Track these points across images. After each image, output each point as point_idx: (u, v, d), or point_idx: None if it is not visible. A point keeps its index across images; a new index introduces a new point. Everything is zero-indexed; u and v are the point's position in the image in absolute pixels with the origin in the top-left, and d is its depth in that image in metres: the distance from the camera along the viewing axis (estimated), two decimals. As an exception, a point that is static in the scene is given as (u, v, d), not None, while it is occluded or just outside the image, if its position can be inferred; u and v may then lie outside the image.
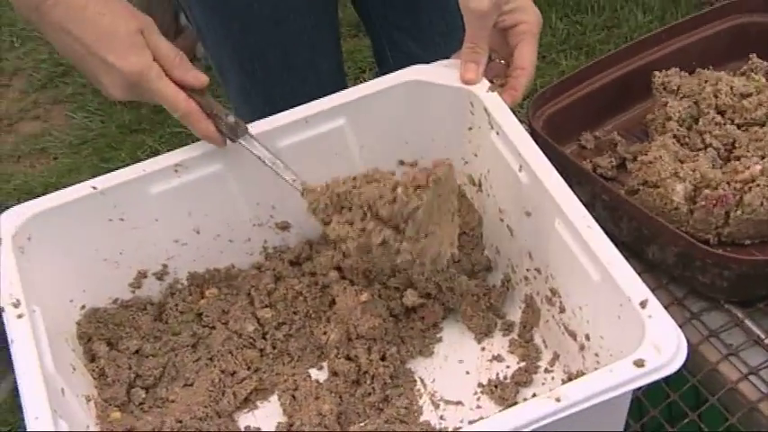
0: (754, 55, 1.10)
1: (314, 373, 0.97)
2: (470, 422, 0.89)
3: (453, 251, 0.88)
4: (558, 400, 0.66)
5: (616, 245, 0.79)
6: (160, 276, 0.99)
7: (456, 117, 1.02)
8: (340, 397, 0.91)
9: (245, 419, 0.94)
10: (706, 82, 1.05)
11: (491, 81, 1.00)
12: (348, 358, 0.93)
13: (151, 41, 0.97)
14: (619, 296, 0.74)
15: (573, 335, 0.86)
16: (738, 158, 0.95)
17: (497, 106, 0.96)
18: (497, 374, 0.93)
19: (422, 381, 0.95)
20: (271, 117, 1.01)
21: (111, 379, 0.92)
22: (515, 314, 0.96)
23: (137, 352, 0.95)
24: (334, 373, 0.94)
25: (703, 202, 0.91)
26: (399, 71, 1.04)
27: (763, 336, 0.85)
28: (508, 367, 0.94)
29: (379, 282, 0.99)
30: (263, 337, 0.97)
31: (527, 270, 0.94)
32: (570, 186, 0.86)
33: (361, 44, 1.93)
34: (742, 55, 1.10)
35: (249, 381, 0.94)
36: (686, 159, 0.97)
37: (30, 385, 0.74)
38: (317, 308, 0.98)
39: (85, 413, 0.86)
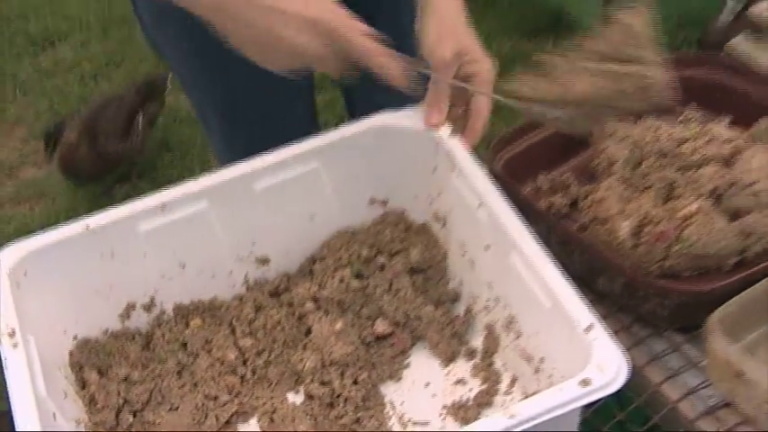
0: (694, 104, 1.13)
1: (291, 396, 0.97)
2: (436, 440, 0.90)
3: None
4: (511, 416, 0.68)
5: (569, 276, 0.81)
6: (148, 308, 1.00)
7: (421, 159, 1.03)
8: (315, 419, 0.92)
9: (227, 441, 0.95)
10: (648, 129, 1.07)
11: (452, 126, 1.02)
12: (323, 383, 0.94)
13: None
14: (568, 322, 0.77)
15: (529, 359, 0.88)
16: (677, 198, 0.97)
17: (458, 149, 0.98)
18: (461, 397, 0.94)
19: (391, 403, 0.96)
20: (251, 160, 1.02)
21: (100, 404, 0.92)
22: (477, 341, 0.97)
23: (125, 379, 0.95)
24: (309, 397, 0.95)
25: (646, 238, 0.94)
26: (369, 117, 1.05)
27: (700, 359, 0.87)
28: (471, 390, 0.95)
29: (351, 311, 1.00)
30: (244, 364, 0.97)
31: (487, 300, 0.96)
32: (528, 223, 0.88)
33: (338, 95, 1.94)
34: (680, 105, 1.12)
35: (231, 404, 0.94)
36: (631, 199, 0.99)
37: (23, 409, 0.76)
38: (295, 336, 0.99)
39: (76, 436, 0.86)
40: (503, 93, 1.00)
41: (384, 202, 1.08)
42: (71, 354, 0.95)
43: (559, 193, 1.06)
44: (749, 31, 1.24)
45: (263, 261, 1.05)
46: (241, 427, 0.97)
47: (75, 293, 0.95)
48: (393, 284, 1.01)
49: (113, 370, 0.96)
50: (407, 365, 0.99)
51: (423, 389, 0.98)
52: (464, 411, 0.92)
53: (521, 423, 0.69)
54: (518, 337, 0.90)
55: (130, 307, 0.99)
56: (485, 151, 1.07)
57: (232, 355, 0.97)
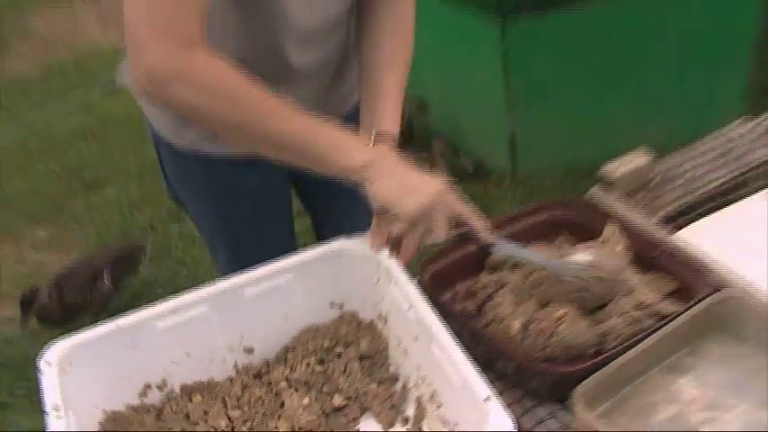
0: (565, 233, 1.16)
1: (269, 454, 0.96)
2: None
3: None
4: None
5: (474, 361, 0.82)
6: (161, 387, 0.99)
7: (368, 274, 1.05)
8: (288, 472, 0.91)
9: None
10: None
11: (390, 249, 1.04)
12: (293, 444, 0.94)
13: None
14: (473, 395, 0.79)
15: (447, 423, 0.88)
16: (552, 304, 0.98)
17: (394, 266, 1.00)
18: (399, 452, 0.94)
19: (345, 459, 0.95)
20: (242, 274, 1.02)
21: (123, 462, 0.91)
22: (410, 410, 0.96)
23: (142, 443, 0.94)
24: (283, 454, 0.94)
25: (531, 333, 0.95)
26: (330, 242, 1.07)
27: (571, 422, 0.88)
28: (406, 449, 0.94)
29: (315, 389, 0.99)
30: (233, 431, 0.96)
31: (416, 379, 0.96)
32: (445, 321, 0.89)
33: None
34: (553, 236, 1.16)
35: (222, 461, 0.93)
36: (520, 304, 1.00)
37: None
38: (272, 408, 0.97)
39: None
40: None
41: (341, 305, 1.09)
42: (100, 424, 0.93)
43: (470, 299, 1.06)
44: (602, 183, 1.28)
45: (249, 350, 1.04)
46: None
47: (106, 377, 0.94)
48: (347, 368, 1.01)
49: (133, 436, 0.96)
50: (357, 431, 0.98)
51: (370, 448, 0.98)
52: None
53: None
54: (439, 407, 0.91)
55: (147, 387, 0.98)
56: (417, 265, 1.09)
57: (224, 423, 0.95)
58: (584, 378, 0.85)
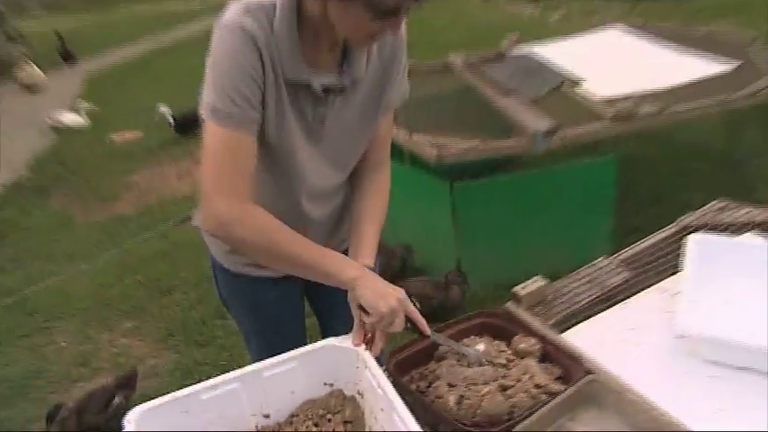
0: (489, 335, 1.13)
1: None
2: None
3: None
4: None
5: (425, 425, 0.84)
6: (204, 441, 0.97)
7: (351, 362, 1.04)
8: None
9: None
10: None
11: (366, 344, 1.05)
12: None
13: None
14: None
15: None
16: (479, 384, 0.98)
17: (368, 357, 1.01)
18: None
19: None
20: (266, 360, 1.03)
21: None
22: None
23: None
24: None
25: (464, 406, 0.94)
26: (326, 340, 1.08)
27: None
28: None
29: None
30: None
31: (383, 438, 0.94)
32: (403, 396, 0.90)
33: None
34: (483, 334, 1.14)
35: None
36: (456, 384, 0.98)
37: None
38: None
39: None
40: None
41: (331, 384, 1.07)
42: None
43: (421, 381, 1.04)
44: (514, 299, 1.27)
45: (266, 416, 1.03)
46: None
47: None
48: (335, 430, 1.00)
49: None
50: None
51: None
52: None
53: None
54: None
55: (195, 439, 0.96)
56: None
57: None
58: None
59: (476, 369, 1.02)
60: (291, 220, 1.10)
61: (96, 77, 8.14)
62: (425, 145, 2.48)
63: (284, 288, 1.35)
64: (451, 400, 0.96)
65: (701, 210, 1.55)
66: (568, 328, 1.19)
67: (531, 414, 0.90)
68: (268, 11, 1.02)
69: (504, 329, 1.13)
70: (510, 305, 1.24)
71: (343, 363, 1.05)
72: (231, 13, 1.01)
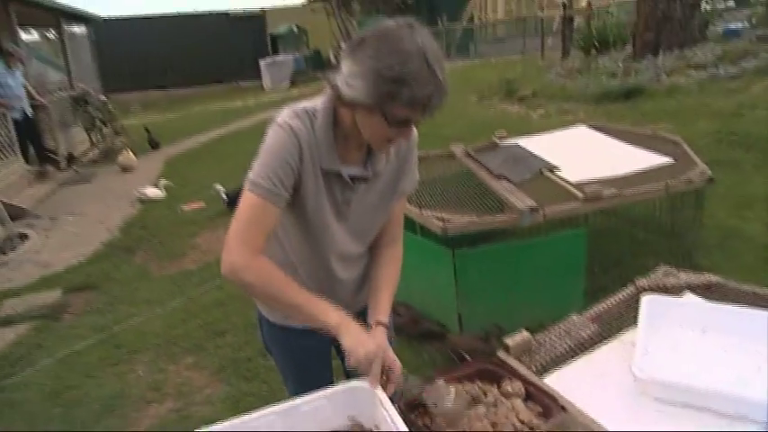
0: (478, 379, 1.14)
1: None
2: None
3: None
4: None
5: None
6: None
7: (369, 400, 1.03)
8: None
9: None
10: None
11: (382, 386, 1.03)
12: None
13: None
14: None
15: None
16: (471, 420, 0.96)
17: (383, 396, 1.01)
18: None
19: None
20: (300, 397, 1.03)
21: None
22: None
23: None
24: None
25: None
26: (349, 382, 1.07)
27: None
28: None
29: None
30: None
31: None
32: (410, 430, 0.90)
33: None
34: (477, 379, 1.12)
35: None
36: (454, 421, 0.98)
37: None
38: None
39: None
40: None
41: (353, 418, 1.06)
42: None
43: (427, 416, 1.03)
44: (504, 348, 1.25)
45: None
46: None
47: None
48: None
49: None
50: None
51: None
52: None
53: None
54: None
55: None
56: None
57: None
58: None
59: (472, 408, 1.02)
60: (323, 279, 1.13)
61: (173, 160, 8.40)
62: (433, 219, 2.52)
63: (316, 338, 1.30)
64: (452, 433, 0.95)
65: (652, 274, 1.56)
66: (548, 373, 1.19)
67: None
68: (311, 115, 1.08)
69: (495, 373, 1.13)
70: (501, 353, 1.24)
71: (364, 401, 1.05)
72: (284, 115, 1.07)
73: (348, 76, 0.97)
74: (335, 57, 21.08)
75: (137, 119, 12.50)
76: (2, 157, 6.65)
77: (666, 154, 3.10)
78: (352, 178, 1.13)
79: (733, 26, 8.82)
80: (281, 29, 21.14)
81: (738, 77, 6.64)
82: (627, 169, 2.91)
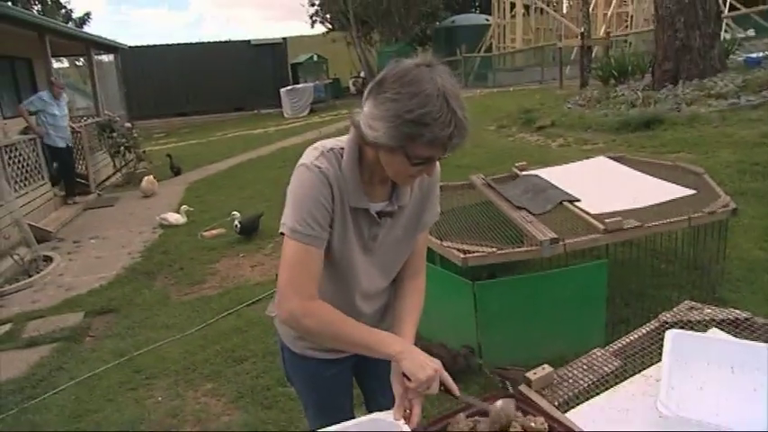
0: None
1: None
2: None
3: None
4: None
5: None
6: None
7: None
8: None
9: None
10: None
11: (404, 419, 1.04)
12: None
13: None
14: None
15: None
16: None
17: (406, 429, 1.03)
18: None
19: None
20: (327, 429, 1.03)
21: None
22: None
23: None
24: None
25: None
26: (374, 414, 1.08)
27: None
28: None
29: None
30: None
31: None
32: None
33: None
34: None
35: None
36: None
37: None
38: None
39: None
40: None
41: None
42: None
43: None
44: (525, 382, 1.25)
45: None
46: None
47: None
48: None
49: None
50: None
51: None
52: None
53: None
54: None
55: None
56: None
57: None
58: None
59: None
60: (346, 315, 1.14)
61: (194, 186, 8.57)
62: (453, 251, 2.55)
63: (338, 368, 1.36)
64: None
65: (676, 308, 1.56)
66: (570, 408, 1.19)
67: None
68: (337, 154, 1.11)
69: (517, 408, 1.12)
70: (523, 388, 1.24)
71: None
72: (309, 156, 1.10)
73: (369, 118, 0.99)
74: (354, 85, 21.49)
75: (159, 145, 12.84)
76: (31, 181, 6.88)
77: (688, 185, 3.10)
78: (379, 214, 1.15)
79: (754, 55, 8.82)
80: (301, 57, 21.71)
81: (760, 107, 6.62)
82: (648, 201, 2.91)
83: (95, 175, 8.87)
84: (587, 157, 4.12)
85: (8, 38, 8.16)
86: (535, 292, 2.66)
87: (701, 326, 1.44)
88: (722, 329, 1.39)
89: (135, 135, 9.78)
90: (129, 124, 10.19)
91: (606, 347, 1.42)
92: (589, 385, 1.27)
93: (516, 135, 8.54)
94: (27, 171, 6.80)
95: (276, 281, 1.11)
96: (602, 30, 15.67)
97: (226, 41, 21.60)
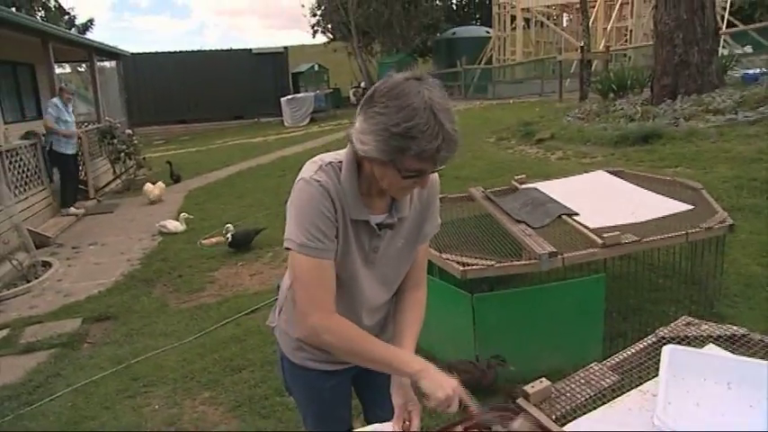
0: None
1: None
2: None
3: None
4: None
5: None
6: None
7: None
8: None
9: None
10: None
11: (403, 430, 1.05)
12: None
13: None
14: None
15: None
16: None
17: None
18: None
19: None
20: None
21: None
22: None
23: None
24: None
25: None
26: (373, 426, 1.10)
27: None
28: None
29: None
30: None
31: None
32: None
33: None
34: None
35: None
36: None
37: None
38: None
39: None
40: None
41: None
42: None
43: None
44: (524, 395, 1.25)
45: None
46: None
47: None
48: None
49: None
50: None
51: None
52: None
53: None
54: None
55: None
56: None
57: None
58: None
59: None
60: None
61: (194, 194, 8.58)
62: (452, 263, 2.56)
63: (338, 379, 1.36)
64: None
65: (673, 324, 1.57)
66: (568, 422, 1.19)
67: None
68: (336, 168, 1.11)
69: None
70: (521, 401, 1.24)
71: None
72: (308, 171, 1.11)
73: (360, 133, 1.00)
74: (355, 95, 21.62)
75: (159, 152, 12.86)
76: (31, 186, 6.90)
77: (686, 200, 3.13)
78: (379, 225, 1.16)
79: (752, 71, 8.92)
80: (302, 67, 21.87)
81: (758, 122, 6.68)
82: (646, 216, 2.94)
83: (95, 182, 8.88)
84: (586, 171, 4.16)
85: (11, 43, 8.21)
86: (533, 305, 2.67)
87: (698, 341, 1.45)
88: (719, 345, 1.40)
89: (135, 142, 9.82)
90: (129, 131, 10.24)
91: (603, 362, 1.43)
92: (586, 399, 1.28)
93: (516, 147, 8.59)
94: (27, 176, 6.82)
95: (276, 290, 1.12)
96: (602, 44, 15.85)
97: (227, 50, 21.76)
